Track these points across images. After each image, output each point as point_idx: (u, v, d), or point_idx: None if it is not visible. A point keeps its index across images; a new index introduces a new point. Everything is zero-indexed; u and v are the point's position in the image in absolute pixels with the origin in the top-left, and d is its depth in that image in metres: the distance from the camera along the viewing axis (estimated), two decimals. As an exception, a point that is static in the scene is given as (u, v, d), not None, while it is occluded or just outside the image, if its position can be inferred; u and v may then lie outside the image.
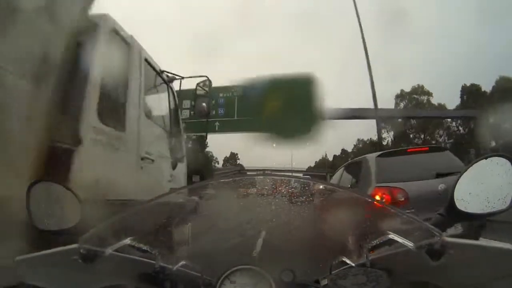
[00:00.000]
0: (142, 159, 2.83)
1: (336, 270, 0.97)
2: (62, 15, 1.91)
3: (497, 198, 0.79)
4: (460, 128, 38.88)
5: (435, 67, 66.53)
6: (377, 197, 3.58)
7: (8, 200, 1.32)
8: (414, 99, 41.16)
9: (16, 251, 0.86)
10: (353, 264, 0.95)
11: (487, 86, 35.37)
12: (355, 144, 57.16)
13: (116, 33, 2.61)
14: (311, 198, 1.63)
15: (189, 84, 4.01)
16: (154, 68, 3.39)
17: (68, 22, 1.95)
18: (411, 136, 40.84)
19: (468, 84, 37.68)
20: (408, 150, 4.65)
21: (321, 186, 1.40)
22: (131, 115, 2.70)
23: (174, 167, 3.59)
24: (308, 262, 1.36)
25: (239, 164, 58.27)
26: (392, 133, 40.04)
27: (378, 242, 0.90)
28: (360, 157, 5.20)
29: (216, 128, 14.87)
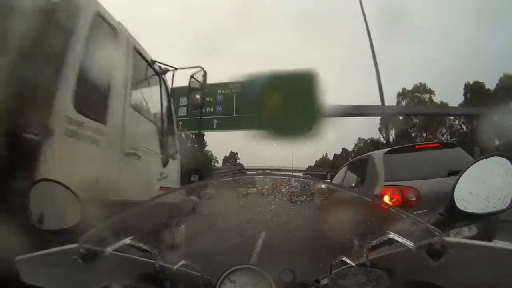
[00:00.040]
0: (126, 154, 2.58)
1: (336, 270, 0.97)
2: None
3: (497, 198, 0.80)
4: (463, 126, 38.61)
5: (435, 67, 66.81)
6: (386, 197, 3.40)
7: None
8: (416, 97, 41.03)
9: (16, 251, 0.86)
10: (353, 264, 0.95)
11: (490, 85, 35.26)
12: (356, 143, 57.23)
13: (101, 16, 2.43)
14: (311, 198, 1.63)
15: (186, 80, 3.86)
16: (144, 58, 3.19)
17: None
18: (412, 134, 40.67)
19: (471, 82, 37.43)
20: (417, 147, 4.45)
21: (321, 186, 1.39)
22: (115, 106, 2.47)
23: (165, 164, 3.38)
24: (308, 262, 1.36)
25: (239, 163, 58.33)
26: (393, 131, 39.93)
27: (378, 242, 0.90)
28: (365, 155, 4.93)
29: (214, 126, 14.62)
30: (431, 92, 40.82)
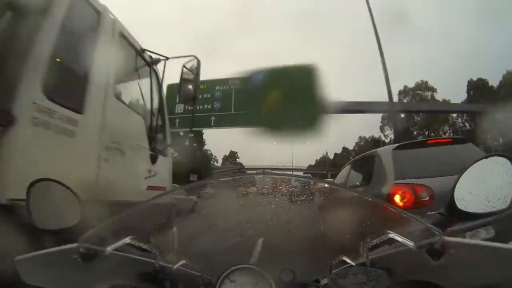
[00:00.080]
0: (107, 149, 2.34)
1: (336, 270, 0.97)
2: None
3: (497, 198, 0.80)
4: (466, 124, 38.40)
5: (435, 67, 67.02)
6: (397, 197, 3.16)
7: None
8: (418, 95, 40.89)
9: (16, 251, 0.86)
10: (353, 264, 0.95)
11: (493, 82, 34.99)
12: (356, 141, 57.25)
13: None
14: (311, 197, 1.64)
15: (179, 67, 3.63)
16: (133, 46, 2.96)
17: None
18: (414, 133, 40.53)
19: (474, 79, 37.12)
20: (428, 142, 4.14)
21: (321, 185, 1.39)
22: (94, 95, 2.23)
23: (153, 161, 3.11)
24: (308, 262, 1.36)
25: (238, 162, 58.44)
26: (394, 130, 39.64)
27: (378, 242, 0.90)
28: (370, 152, 4.64)
29: (212, 123, 14.25)
30: (433, 89, 40.76)
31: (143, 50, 3.14)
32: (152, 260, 0.97)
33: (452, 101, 37.01)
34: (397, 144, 4.07)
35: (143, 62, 3.17)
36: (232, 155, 66.57)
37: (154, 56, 3.28)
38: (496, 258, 0.69)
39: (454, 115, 38.14)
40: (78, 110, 2.07)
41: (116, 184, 2.36)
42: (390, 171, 3.51)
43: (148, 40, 3.10)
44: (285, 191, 1.42)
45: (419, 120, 40.72)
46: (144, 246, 0.95)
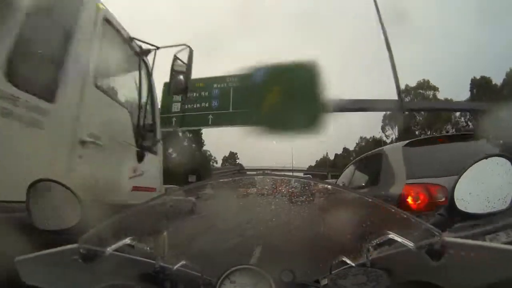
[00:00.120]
0: (82, 143, 2.07)
1: (336, 270, 0.97)
2: None
3: (497, 198, 0.80)
4: (470, 124, 38.08)
5: (436, 66, 67.02)
6: (410, 198, 2.91)
7: None
8: (420, 94, 40.69)
9: (16, 251, 0.86)
10: (353, 264, 0.95)
11: (496, 80, 34.66)
12: (357, 142, 57.18)
13: None
14: (311, 198, 1.64)
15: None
16: (119, 33, 2.73)
17: None
18: (416, 132, 40.31)
19: (477, 77, 36.80)
20: (440, 139, 3.87)
21: (321, 186, 1.39)
22: (69, 82, 2.00)
23: (140, 159, 2.84)
24: (308, 262, 1.36)
25: (238, 163, 58.40)
26: (396, 129, 39.47)
27: (378, 242, 0.90)
28: (376, 150, 4.38)
29: (210, 122, 13.74)
30: (435, 88, 40.53)
31: (132, 39, 2.91)
32: (152, 261, 0.97)
33: (455, 100, 36.71)
34: (407, 141, 3.66)
35: (131, 51, 2.94)
36: (232, 156, 66.63)
37: (143, 45, 3.06)
38: (496, 258, 0.69)
39: (457, 114, 37.87)
40: (49, 98, 1.84)
41: (93, 184, 2.10)
42: (401, 170, 3.19)
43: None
44: (285, 192, 1.42)
45: (421, 119, 40.61)
46: (144, 247, 0.96)
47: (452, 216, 0.85)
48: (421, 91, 40.92)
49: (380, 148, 4.21)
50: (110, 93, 2.55)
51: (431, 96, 40.16)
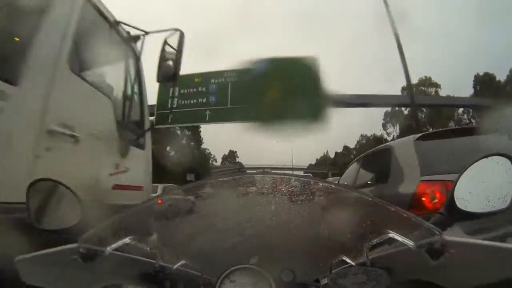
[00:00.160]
0: (50, 133, 1.82)
1: (336, 269, 0.97)
2: None
3: (497, 197, 0.80)
4: (473, 121, 37.81)
5: (436, 66, 66.89)
6: (426, 196, 2.66)
7: None
8: (422, 91, 40.39)
9: (16, 251, 0.86)
10: (353, 263, 0.95)
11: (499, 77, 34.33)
12: (358, 140, 57.12)
13: None
14: (311, 197, 1.63)
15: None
16: (103, 15, 2.51)
17: None
18: (418, 131, 40.14)
19: (481, 73, 36.58)
20: (455, 131, 3.57)
21: (321, 185, 1.39)
22: (37, 64, 1.80)
23: (124, 153, 2.57)
24: (308, 262, 1.36)
25: (238, 162, 58.40)
26: (397, 127, 39.23)
27: (378, 241, 0.90)
28: (384, 145, 4.11)
29: (207, 118, 13.25)
30: (436, 85, 40.36)
31: (118, 23, 2.70)
32: (152, 260, 0.97)
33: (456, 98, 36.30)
34: (418, 134, 3.35)
35: (117, 36, 2.73)
36: (232, 154, 66.63)
37: (132, 31, 2.88)
38: (496, 258, 0.68)
39: (460, 111, 37.63)
40: (11, 80, 1.65)
41: (64, 180, 1.86)
42: (414, 166, 2.90)
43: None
44: (285, 191, 1.42)
45: (423, 117, 40.52)
46: (144, 246, 0.96)
47: (452, 215, 0.85)
48: (423, 88, 40.74)
49: (389, 143, 3.99)
50: (91, 80, 2.31)
51: (433, 93, 39.97)
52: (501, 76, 34.60)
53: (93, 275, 0.91)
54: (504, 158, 0.80)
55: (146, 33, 2.87)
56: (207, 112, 13.24)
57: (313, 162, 66.93)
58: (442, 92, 39.60)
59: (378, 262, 0.91)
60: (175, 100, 12.44)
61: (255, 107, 11.48)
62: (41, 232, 0.95)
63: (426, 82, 40.83)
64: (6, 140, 1.59)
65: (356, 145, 56.55)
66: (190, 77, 13.11)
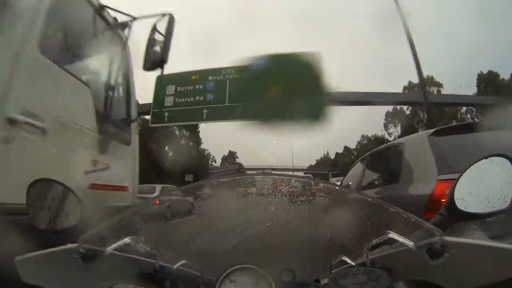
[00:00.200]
0: (11, 123, 1.59)
1: (336, 269, 0.97)
2: None
3: (497, 198, 0.80)
4: (476, 120, 37.69)
5: (436, 66, 66.93)
6: (444, 197, 2.31)
7: None
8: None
9: (16, 251, 0.86)
10: (353, 263, 0.95)
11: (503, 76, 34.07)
12: (358, 140, 57.05)
13: None
14: (311, 198, 1.64)
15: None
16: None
17: None
18: (419, 130, 40.07)
19: (485, 72, 36.16)
20: (473, 126, 3.20)
21: (321, 186, 1.40)
22: (2, 44, 1.63)
23: (103, 149, 2.33)
24: (308, 262, 1.36)
25: (237, 162, 58.39)
26: (398, 127, 39.01)
27: (378, 242, 0.90)
28: (392, 142, 3.84)
29: (204, 116, 12.93)
30: (439, 85, 40.18)
31: (103, 7, 2.50)
32: (152, 260, 0.97)
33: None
34: (433, 129, 3.08)
35: (101, 20, 2.52)
36: (231, 155, 66.65)
37: (120, 19, 2.70)
38: (496, 258, 0.69)
39: (463, 110, 37.38)
40: None
41: (26, 176, 1.56)
42: (430, 163, 2.64)
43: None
44: (285, 192, 1.43)
45: (424, 116, 40.38)
46: (144, 246, 0.96)
47: (452, 216, 0.85)
48: (426, 87, 40.68)
49: (398, 140, 3.70)
50: (67, 66, 2.10)
51: (435, 92, 39.88)
52: (504, 75, 34.46)
53: (93, 275, 0.91)
54: (504, 159, 0.80)
55: (134, 18, 2.69)
56: (205, 110, 12.93)
57: (313, 163, 66.99)
58: (444, 92, 39.59)
59: (378, 263, 0.91)
60: (172, 98, 12.27)
61: (254, 105, 11.13)
62: (41, 232, 0.95)
63: (428, 81, 40.67)
64: None
65: (357, 145, 56.54)
66: (187, 74, 12.84)
